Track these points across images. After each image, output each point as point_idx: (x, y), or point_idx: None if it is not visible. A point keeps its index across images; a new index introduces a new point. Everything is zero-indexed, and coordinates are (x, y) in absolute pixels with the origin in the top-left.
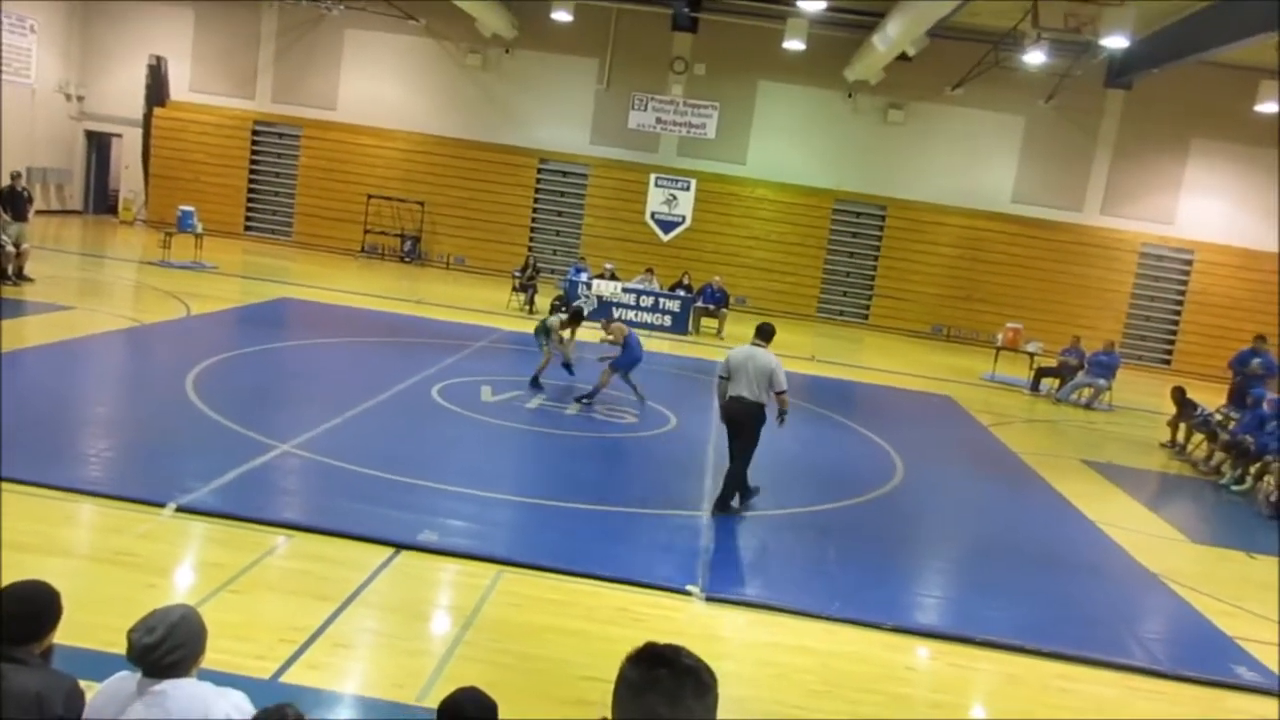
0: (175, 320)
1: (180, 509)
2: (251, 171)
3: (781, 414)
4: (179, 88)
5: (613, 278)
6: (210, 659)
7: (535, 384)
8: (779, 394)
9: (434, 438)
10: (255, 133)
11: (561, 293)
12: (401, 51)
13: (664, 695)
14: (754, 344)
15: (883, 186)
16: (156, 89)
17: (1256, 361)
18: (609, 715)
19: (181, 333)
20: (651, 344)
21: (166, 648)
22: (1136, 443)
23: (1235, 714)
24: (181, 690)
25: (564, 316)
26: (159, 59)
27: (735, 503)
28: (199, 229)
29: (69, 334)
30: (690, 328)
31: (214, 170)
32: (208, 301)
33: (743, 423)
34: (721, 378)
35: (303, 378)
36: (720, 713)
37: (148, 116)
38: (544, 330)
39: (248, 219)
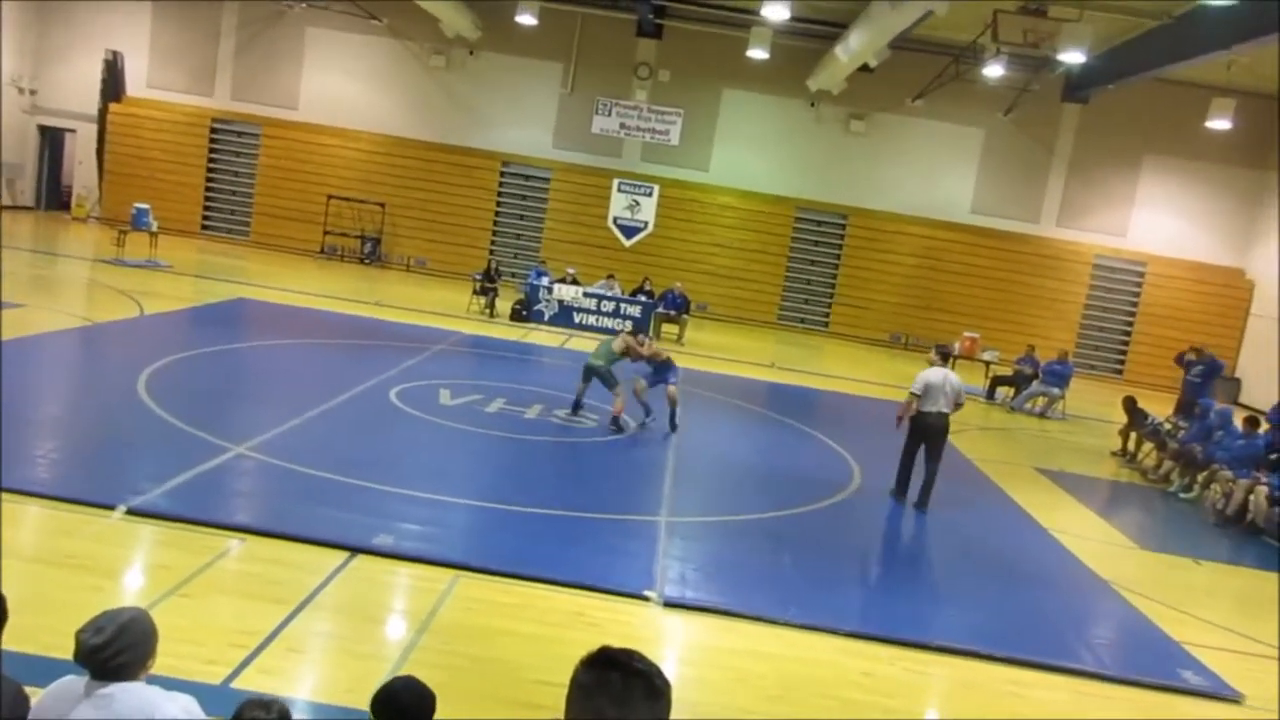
0: (128, 319)
1: (130, 511)
2: (209, 169)
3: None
4: (135, 83)
5: (574, 282)
6: (159, 664)
7: (617, 425)
8: (959, 405)
9: (391, 441)
10: (214, 130)
11: (523, 296)
12: (364, 51)
13: (614, 698)
14: (941, 365)
15: (844, 195)
16: (112, 84)
17: (1197, 369)
18: (562, 718)
19: (134, 332)
20: None
21: (115, 649)
22: (1088, 451)
23: (1182, 718)
24: (129, 693)
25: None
26: (115, 54)
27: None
28: (154, 227)
29: (19, 332)
30: (651, 333)
31: (170, 168)
32: (162, 301)
33: (943, 431)
34: (915, 394)
35: (258, 379)
36: (675, 717)
37: (103, 112)
38: (608, 362)
39: (205, 218)
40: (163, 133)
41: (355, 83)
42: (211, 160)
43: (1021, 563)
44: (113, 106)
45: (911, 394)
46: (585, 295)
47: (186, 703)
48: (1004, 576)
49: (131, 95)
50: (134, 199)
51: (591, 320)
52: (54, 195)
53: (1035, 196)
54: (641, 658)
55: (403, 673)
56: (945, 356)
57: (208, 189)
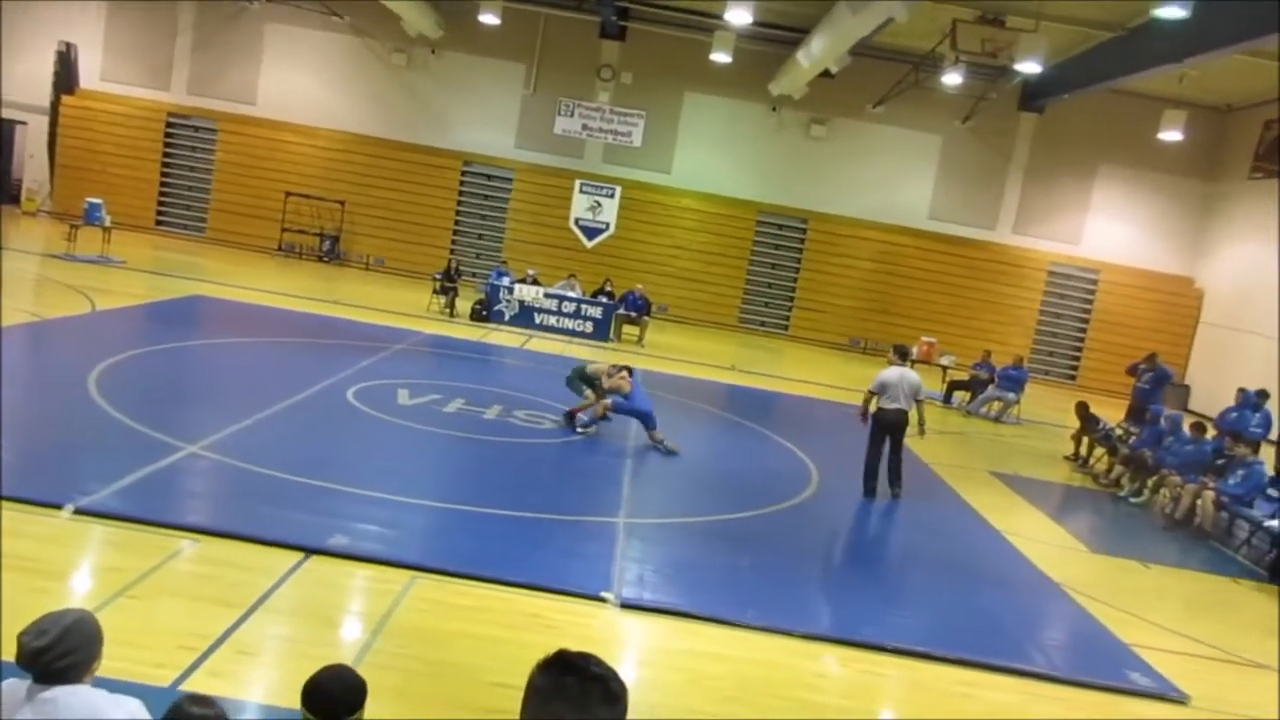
0: (79, 316)
1: (79, 511)
2: (164, 165)
3: (923, 423)
4: (89, 76)
5: (535, 283)
6: (106, 666)
7: (571, 420)
8: (920, 401)
9: (348, 441)
10: (169, 125)
11: (483, 296)
12: (324, 48)
13: (570, 702)
14: (899, 364)
15: (804, 200)
16: (65, 76)
17: (1147, 376)
18: None
19: (86, 329)
20: (572, 350)
21: (57, 652)
22: (1042, 455)
23: (1129, 718)
24: (73, 697)
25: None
26: (68, 45)
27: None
28: (107, 222)
29: None
30: (611, 335)
31: (124, 162)
32: (114, 297)
33: (902, 427)
34: (873, 393)
35: (213, 378)
36: (631, 718)
37: (55, 104)
38: (583, 379)
39: (159, 213)
40: (116, 126)
41: (315, 79)
42: (167, 155)
43: (975, 565)
44: (65, 99)
45: (869, 392)
46: (546, 296)
47: (133, 706)
48: (957, 578)
49: (85, 88)
50: (86, 193)
51: (552, 321)
52: (3, 189)
53: (992, 203)
54: (599, 661)
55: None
56: (903, 356)
57: (163, 184)
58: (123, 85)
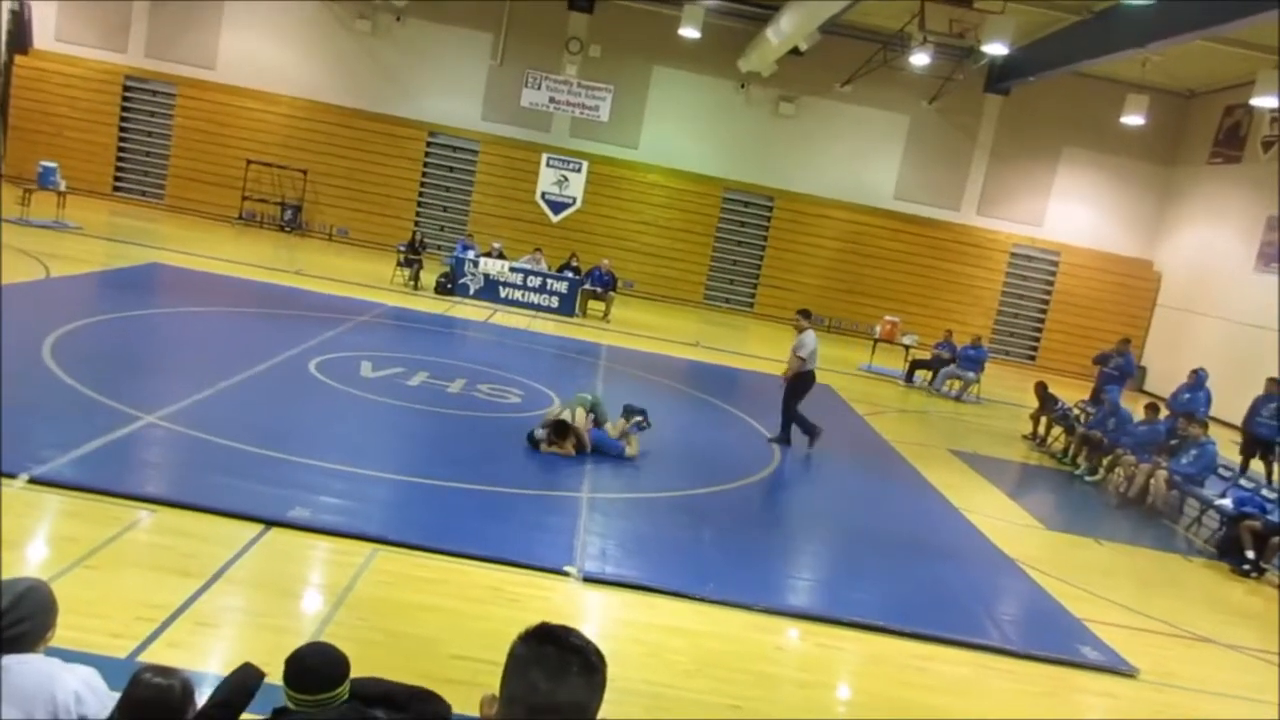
0: (33, 282)
1: (33, 480)
2: (121, 129)
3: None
4: (44, 36)
5: (500, 256)
6: (61, 637)
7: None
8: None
9: (310, 413)
10: (127, 88)
11: (448, 269)
12: (286, 11)
13: (547, 671)
14: (810, 329)
15: (771, 177)
16: (19, 35)
17: (1115, 363)
18: (496, 693)
19: (40, 295)
20: (537, 325)
21: (10, 620)
22: (1001, 434)
23: (1080, 691)
24: (26, 666)
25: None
26: (22, 3)
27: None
28: (62, 186)
29: None
30: (577, 310)
31: (80, 125)
32: (70, 263)
33: (811, 387)
34: (801, 358)
35: (172, 347)
36: None
37: (8, 64)
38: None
39: (116, 178)
40: (72, 89)
41: (277, 44)
42: (124, 119)
43: (933, 541)
44: (18, 59)
45: (801, 358)
46: (511, 270)
47: (87, 675)
48: (915, 554)
49: (39, 48)
50: (40, 156)
51: (517, 295)
52: None
53: (957, 184)
54: (579, 634)
55: None
56: (808, 318)
57: (120, 149)
58: (78, 46)
